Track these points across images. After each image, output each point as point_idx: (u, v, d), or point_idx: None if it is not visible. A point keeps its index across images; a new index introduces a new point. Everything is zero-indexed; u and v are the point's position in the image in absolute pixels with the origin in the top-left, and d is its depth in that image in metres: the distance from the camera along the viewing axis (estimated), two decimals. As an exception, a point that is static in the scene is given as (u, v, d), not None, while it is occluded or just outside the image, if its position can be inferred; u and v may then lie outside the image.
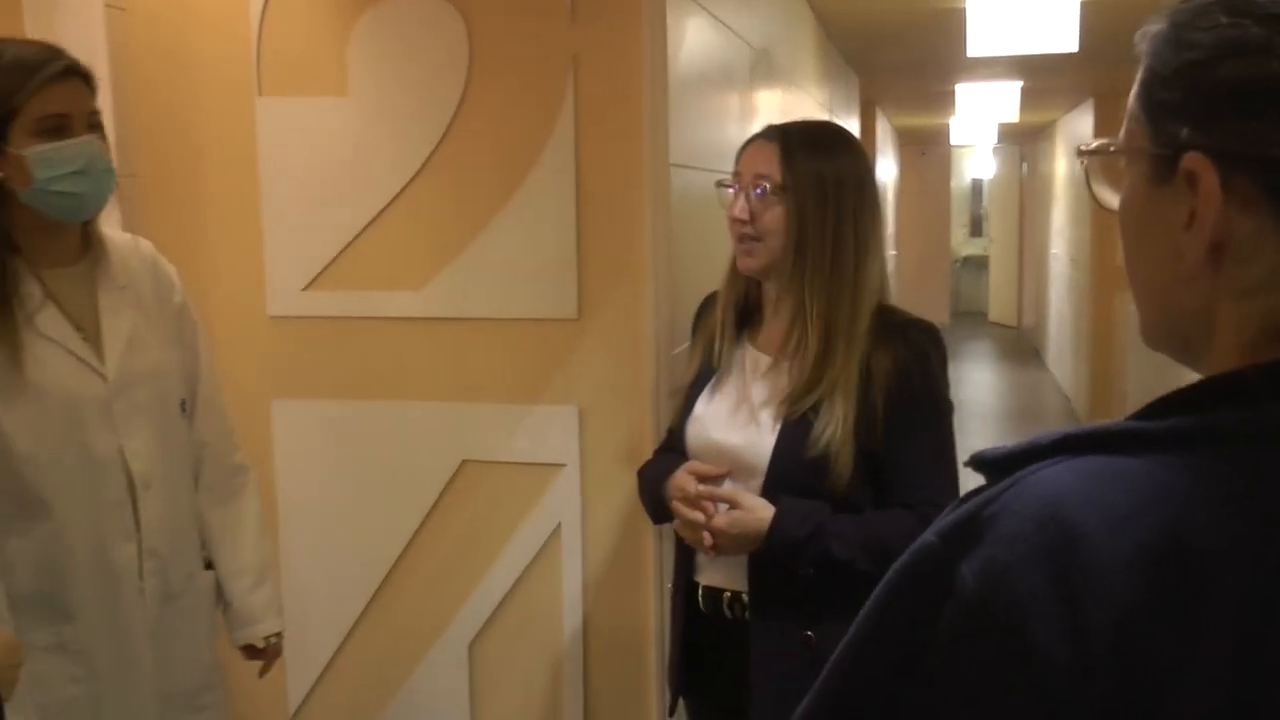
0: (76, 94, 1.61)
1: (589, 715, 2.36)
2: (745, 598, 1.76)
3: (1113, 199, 0.72)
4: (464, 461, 2.35)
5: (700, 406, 1.82)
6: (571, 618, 2.34)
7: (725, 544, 1.70)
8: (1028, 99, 7.46)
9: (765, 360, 1.79)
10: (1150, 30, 0.67)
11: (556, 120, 2.24)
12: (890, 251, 10.18)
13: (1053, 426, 0.73)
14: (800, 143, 1.73)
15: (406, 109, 2.31)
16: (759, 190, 1.72)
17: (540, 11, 2.23)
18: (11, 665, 1.27)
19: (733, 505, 1.69)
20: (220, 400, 1.90)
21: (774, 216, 1.71)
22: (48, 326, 1.61)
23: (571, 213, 2.25)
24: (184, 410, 1.79)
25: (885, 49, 5.75)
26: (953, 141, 11.55)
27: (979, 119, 8.19)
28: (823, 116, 5.07)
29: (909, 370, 1.68)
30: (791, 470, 1.68)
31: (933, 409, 1.71)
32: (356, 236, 2.35)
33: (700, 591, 1.82)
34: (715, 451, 1.77)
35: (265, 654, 1.92)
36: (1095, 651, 0.56)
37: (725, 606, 1.78)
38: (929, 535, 0.64)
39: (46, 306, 1.62)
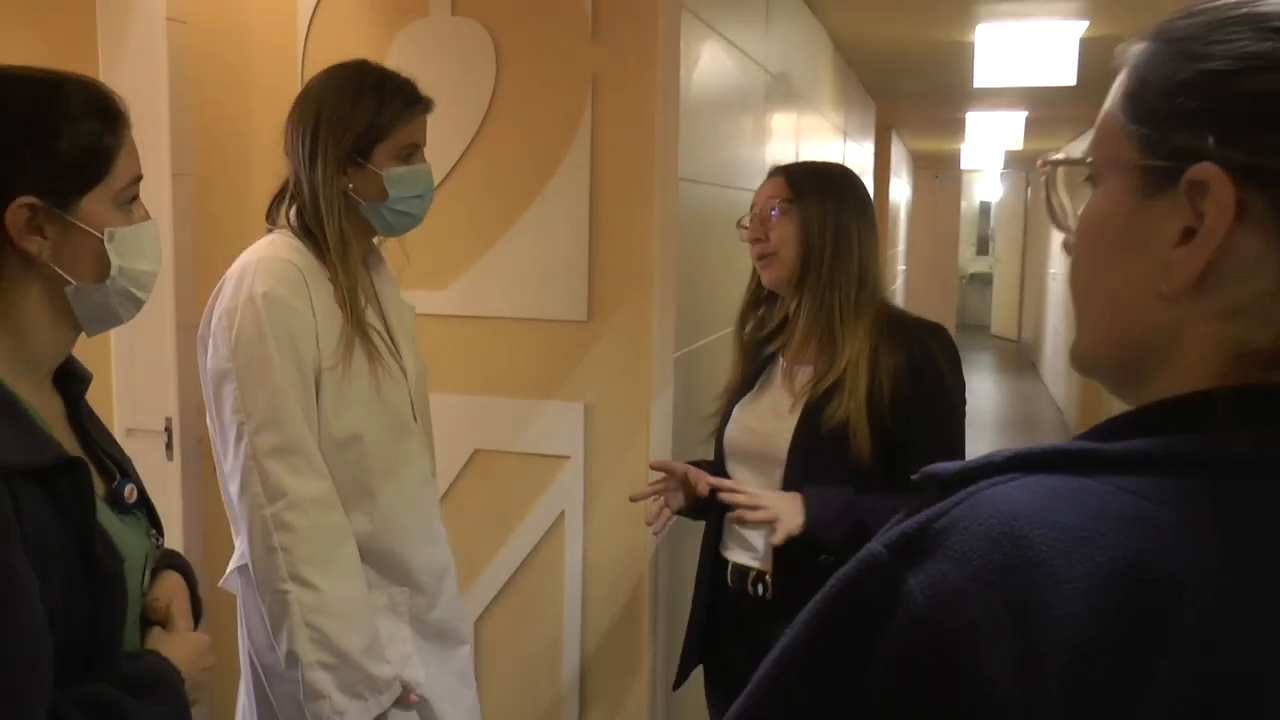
0: (424, 127, 1.66)
1: (585, 692, 2.36)
2: (768, 579, 1.77)
3: (1071, 215, 0.65)
4: (475, 451, 2.36)
5: (737, 412, 1.89)
6: (572, 600, 2.34)
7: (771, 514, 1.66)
8: (1032, 128, 7.41)
9: (792, 366, 1.84)
10: (1134, 47, 0.62)
11: (575, 134, 2.25)
12: (900, 267, 10.13)
13: (1045, 436, 0.68)
14: (801, 169, 1.87)
15: (436, 120, 2.30)
16: (773, 211, 1.81)
17: (562, 32, 2.24)
18: (202, 668, 1.13)
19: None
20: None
21: (784, 228, 1.80)
22: (372, 318, 1.63)
23: (585, 222, 2.26)
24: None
25: (901, 77, 5.72)
26: (963, 166, 11.49)
27: (987, 145, 8.12)
28: (838, 140, 5.04)
29: (916, 365, 1.71)
30: (811, 448, 1.71)
31: (940, 403, 1.72)
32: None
33: (729, 568, 1.83)
34: (744, 449, 1.84)
35: None
36: (1046, 680, 0.51)
37: (750, 584, 1.79)
38: (875, 545, 0.58)
39: (371, 301, 1.64)
